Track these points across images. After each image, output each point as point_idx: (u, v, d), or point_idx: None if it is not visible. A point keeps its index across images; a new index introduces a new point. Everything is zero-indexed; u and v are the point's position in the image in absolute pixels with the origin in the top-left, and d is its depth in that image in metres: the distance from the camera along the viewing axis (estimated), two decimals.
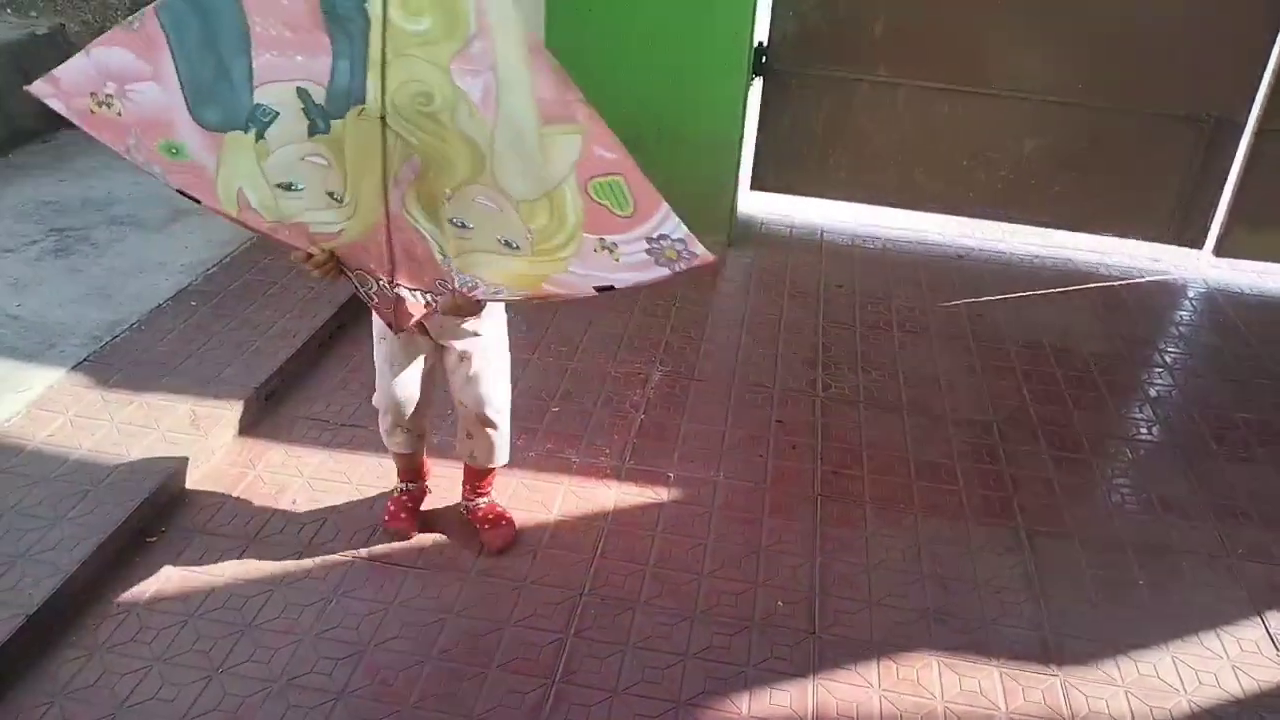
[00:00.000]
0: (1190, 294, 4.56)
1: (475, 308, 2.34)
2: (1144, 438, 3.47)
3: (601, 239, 1.79)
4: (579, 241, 1.81)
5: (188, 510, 2.77)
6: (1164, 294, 4.55)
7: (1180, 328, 4.27)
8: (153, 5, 1.80)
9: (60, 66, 1.90)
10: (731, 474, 3.09)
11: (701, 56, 4.30)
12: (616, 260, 1.80)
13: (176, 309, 3.54)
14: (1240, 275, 4.73)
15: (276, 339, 3.40)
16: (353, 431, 3.10)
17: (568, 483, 3.00)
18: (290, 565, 2.62)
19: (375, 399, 2.61)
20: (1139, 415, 3.60)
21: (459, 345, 2.48)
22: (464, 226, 1.92)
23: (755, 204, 5.04)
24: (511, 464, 2.84)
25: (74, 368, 3.15)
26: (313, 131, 1.86)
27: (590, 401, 3.39)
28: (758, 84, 4.66)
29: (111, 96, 1.89)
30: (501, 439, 2.64)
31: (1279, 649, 2.60)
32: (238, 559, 2.62)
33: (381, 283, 2.12)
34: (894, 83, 4.64)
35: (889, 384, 3.65)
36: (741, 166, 4.64)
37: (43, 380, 3.08)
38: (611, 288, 1.85)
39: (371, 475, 2.94)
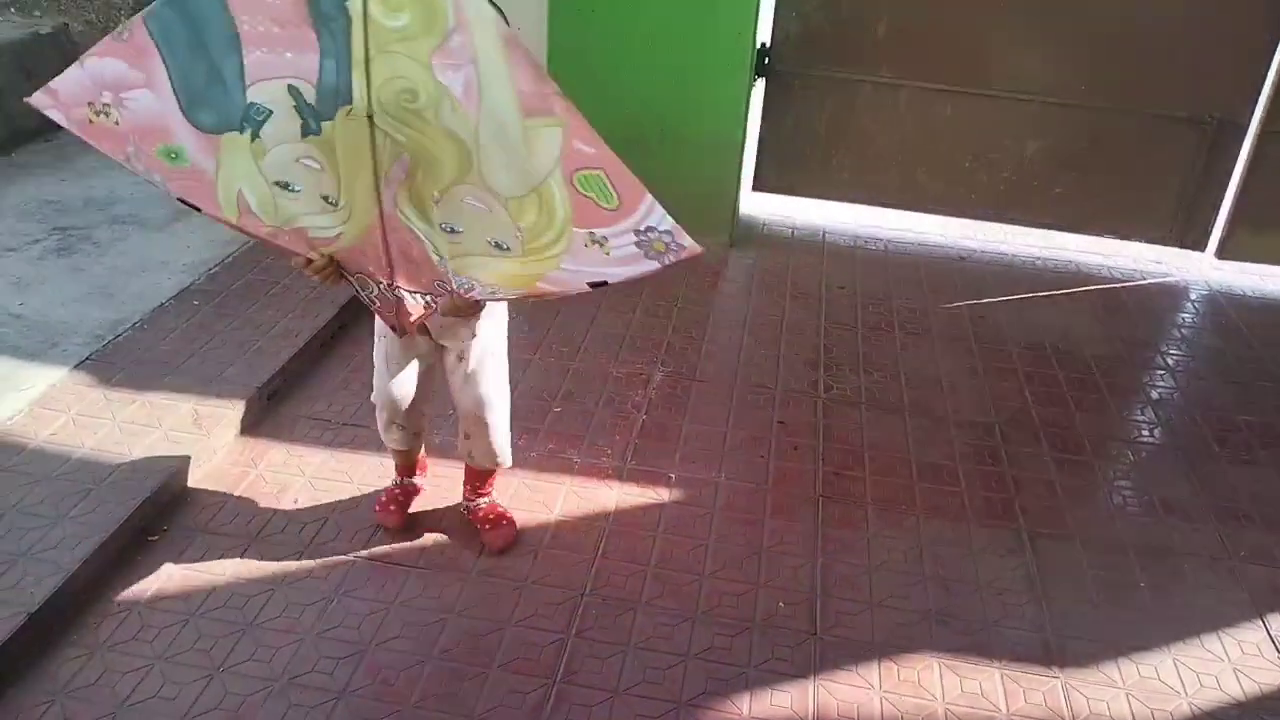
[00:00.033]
0: (1192, 296, 4.56)
1: (474, 308, 2.34)
2: (1146, 440, 3.46)
3: (591, 233, 1.79)
4: (569, 237, 1.81)
5: (189, 509, 2.77)
6: (1166, 296, 4.55)
7: (1182, 330, 4.27)
8: (140, 15, 1.81)
9: (57, 78, 1.91)
10: (733, 475, 3.09)
11: (704, 57, 4.31)
12: (607, 254, 1.80)
13: (179, 308, 3.54)
14: (1242, 278, 4.72)
15: (279, 338, 3.40)
16: (354, 431, 3.10)
17: (569, 483, 3.00)
18: (292, 564, 2.62)
19: (373, 396, 2.62)
20: (1141, 417, 3.60)
21: (457, 346, 2.48)
22: (453, 231, 1.93)
23: (757, 205, 5.04)
24: (513, 464, 2.84)
25: (76, 366, 3.15)
26: (305, 132, 1.86)
27: (592, 402, 3.39)
28: (760, 85, 4.66)
29: (108, 106, 1.90)
30: (500, 440, 2.64)
31: None
32: (239, 558, 2.62)
33: (381, 286, 2.12)
34: (896, 84, 4.64)
35: (891, 385, 3.65)
36: (744, 167, 4.64)
37: (45, 379, 3.08)
38: (605, 283, 1.85)
39: (373, 475, 2.94)
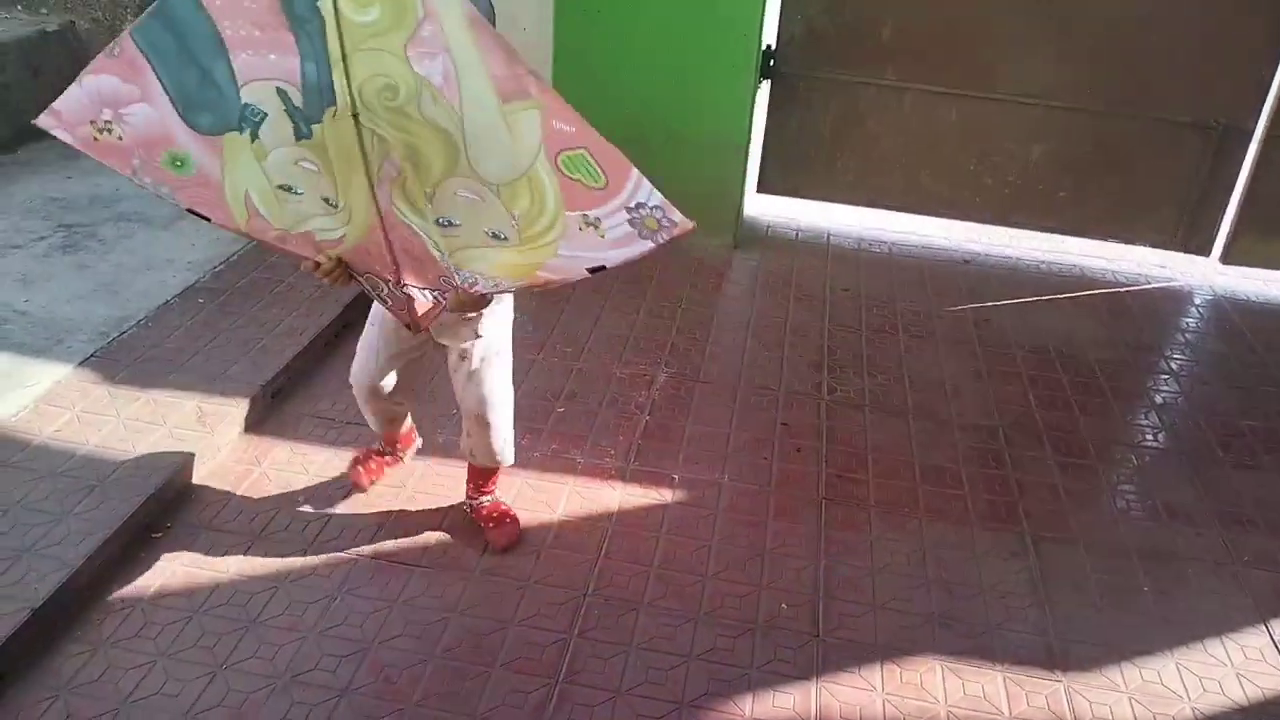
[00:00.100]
0: (1197, 301, 4.55)
1: (481, 302, 2.34)
2: (1150, 444, 3.46)
3: (584, 215, 1.77)
4: (563, 222, 1.80)
5: (193, 506, 2.77)
6: (1170, 301, 4.55)
7: (1187, 335, 4.26)
8: (128, 30, 1.84)
9: (59, 99, 1.94)
10: (736, 476, 3.09)
11: (709, 59, 4.31)
12: (602, 236, 1.79)
13: (184, 306, 3.55)
14: (1247, 283, 4.72)
15: (283, 337, 3.41)
16: (358, 430, 3.10)
17: (572, 483, 3.00)
18: (295, 562, 2.62)
19: (351, 377, 2.65)
20: (1145, 422, 3.59)
21: (458, 345, 2.49)
22: (450, 224, 1.92)
23: (762, 207, 5.04)
24: (516, 464, 2.84)
25: (81, 363, 3.16)
26: (298, 135, 1.88)
27: (595, 402, 3.39)
28: (765, 86, 4.66)
29: (110, 122, 1.93)
30: (500, 439, 2.64)
31: None
32: (242, 555, 2.62)
33: (390, 285, 2.13)
34: (901, 87, 4.64)
35: (894, 388, 3.64)
36: (748, 169, 4.64)
37: (50, 376, 3.08)
38: (603, 267, 1.84)
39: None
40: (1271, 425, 3.60)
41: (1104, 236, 4.85)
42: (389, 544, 2.71)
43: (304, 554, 2.65)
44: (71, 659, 2.29)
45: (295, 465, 2.96)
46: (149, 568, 2.56)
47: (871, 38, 4.55)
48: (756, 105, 4.52)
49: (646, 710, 2.30)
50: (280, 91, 1.82)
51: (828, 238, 4.89)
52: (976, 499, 3.08)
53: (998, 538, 2.93)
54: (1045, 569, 2.82)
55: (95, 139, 1.96)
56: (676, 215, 1.74)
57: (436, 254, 1.99)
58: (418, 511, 2.83)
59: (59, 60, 4.89)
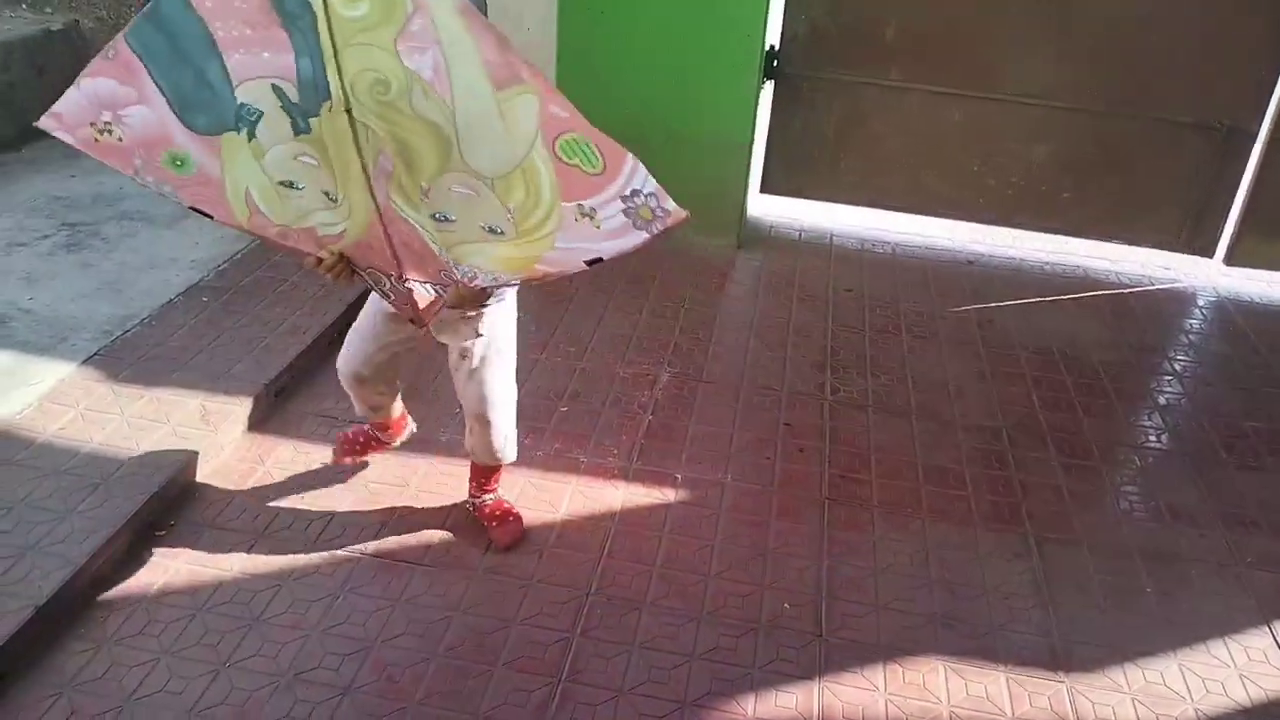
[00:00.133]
0: (1200, 302, 4.55)
1: (481, 297, 2.34)
2: (1153, 445, 3.46)
3: (580, 205, 1.77)
4: (559, 214, 1.79)
5: (197, 505, 2.78)
6: (1174, 302, 4.54)
7: (1190, 336, 4.26)
8: (122, 33, 1.85)
9: (59, 101, 1.95)
10: (739, 476, 3.09)
11: (713, 59, 4.31)
12: (598, 227, 1.78)
13: (187, 304, 3.55)
14: (1251, 284, 4.71)
15: (287, 336, 3.41)
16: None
17: (575, 482, 3.00)
18: (298, 561, 2.62)
19: (339, 361, 2.66)
20: (1148, 423, 3.59)
21: (458, 344, 2.49)
22: (446, 220, 1.92)
23: (765, 207, 5.04)
24: (519, 463, 2.84)
25: (85, 361, 3.16)
26: (296, 130, 1.88)
27: (599, 402, 3.39)
28: (769, 87, 4.66)
29: (110, 124, 1.94)
30: (501, 438, 2.64)
31: None
32: (246, 553, 2.63)
33: (392, 279, 2.13)
34: (905, 87, 4.64)
35: (898, 388, 3.64)
36: (752, 169, 4.64)
37: (54, 374, 3.09)
38: (600, 259, 1.84)
39: (380, 472, 2.95)
40: (1275, 427, 3.59)
41: (1107, 237, 4.84)
42: (392, 542, 2.71)
43: (307, 552, 2.65)
44: (75, 656, 2.29)
45: (298, 464, 2.96)
46: (153, 565, 2.56)
47: (875, 38, 4.55)
48: (760, 105, 4.52)
49: (649, 709, 2.30)
50: (276, 88, 1.82)
51: (831, 238, 4.89)
52: (980, 500, 3.08)
53: (1001, 538, 2.93)
54: (1048, 570, 2.82)
55: (96, 140, 1.97)
56: (670, 204, 1.73)
57: (435, 248, 1.99)
58: (421, 510, 2.83)
59: (63, 59, 4.89)
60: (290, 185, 1.97)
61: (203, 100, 1.87)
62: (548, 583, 2.62)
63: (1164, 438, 3.50)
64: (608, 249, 1.81)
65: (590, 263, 1.84)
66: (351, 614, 2.48)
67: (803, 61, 4.64)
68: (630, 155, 1.70)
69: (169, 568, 2.56)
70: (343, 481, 2.90)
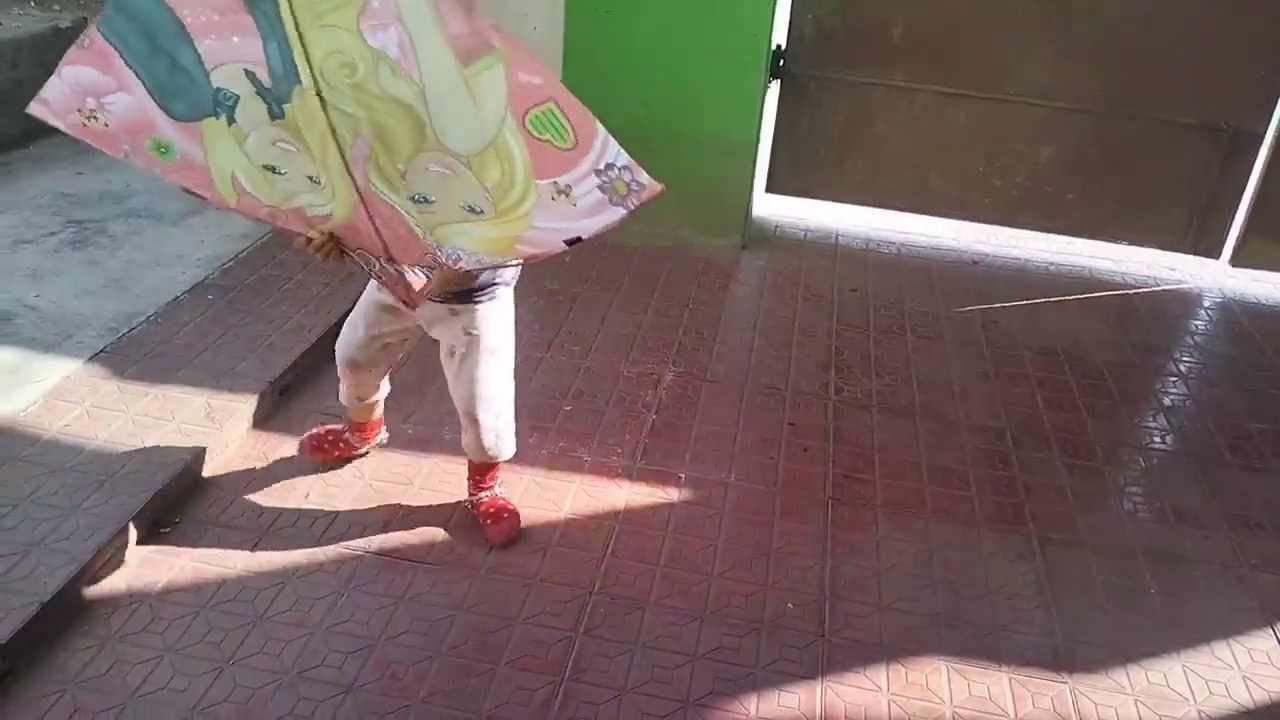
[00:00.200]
0: (1206, 303, 4.54)
1: (467, 279, 2.34)
2: (1157, 446, 3.45)
3: (555, 183, 1.76)
4: (536, 193, 1.78)
5: (201, 502, 2.78)
6: (1179, 303, 4.54)
7: (1195, 337, 4.25)
8: (94, 23, 1.85)
9: (44, 87, 1.95)
10: (743, 476, 3.09)
11: (719, 59, 4.31)
12: (575, 205, 1.77)
13: (193, 302, 3.56)
14: (1257, 285, 4.70)
15: (291, 334, 3.42)
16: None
17: (579, 481, 3.00)
18: (302, 558, 2.63)
19: (337, 344, 2.70)
20: (1153, 424, 3.59)
21: (448, 341, 2.51)
22: (426, 201, 1.91)
23: (770, 207, 5.04)
24: (523, 462, 2.84)
25: (91, 359, 3.17)
26: (271, 116, 1.87)
27: (603, 401, 3.39)
28: (775, 87, 4.65)
29: (94, 111, 1.95)
30: (491, 436, 2.65)
31: None
32: (250, 551, 2.63)
33: (381, 262, 2.14)
34: (911, 88, 4.63)
35: (902, 389, 3.64)
36: (757, 169, 4.64)
37: (60, 371, 3.10)
38: (579, 239, 1.83)
39: (384, 470, 2.95)
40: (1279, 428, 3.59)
41: (1113, 238, 4.83)
42: (395, 541, 2.71)
43: (311, 550, 2.65)
44: (79, 653, 2.30)
45: (302, 461, 2.96)
46: (157, 563, 2.57)
47: (881, 38, 4.55)
48: (766, 105, 4.52)
49: (652, 709, 2.30)
50: (248, 73, 1.82)
51: (836, 238, 4.89)
52: (983, 500, 3.08)
53: (1004, 539, 2.93)
54: (1052, 570, 2.82)
55: (84, 125, 1.97)
56: (644, 177, 1.71)
57: (419, 231, 1.99)
58: (424, 508, 2.83)
59: None
60: (273, 170, 1.97)
61: (180, 87, 1.87)
62: (551, 581, 2.63)
63: (1168, 439, 3.50)
64: (586, 227, 1.80)
65: (570, 242, 1.83)
66: (355, 612, 2.48)
67: (809, 61, 4.64)
68: (600, 126, 1.67)
69: (173, 565, 2.56)
70: (346, 480, 2.91)
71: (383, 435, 2.99)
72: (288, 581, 2.55)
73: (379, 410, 2.92)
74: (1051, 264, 4.79)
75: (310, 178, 1.97)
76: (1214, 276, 4.75)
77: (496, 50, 1.64)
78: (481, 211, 1.86)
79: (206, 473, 2.87)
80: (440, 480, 2.93)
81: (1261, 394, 3.82)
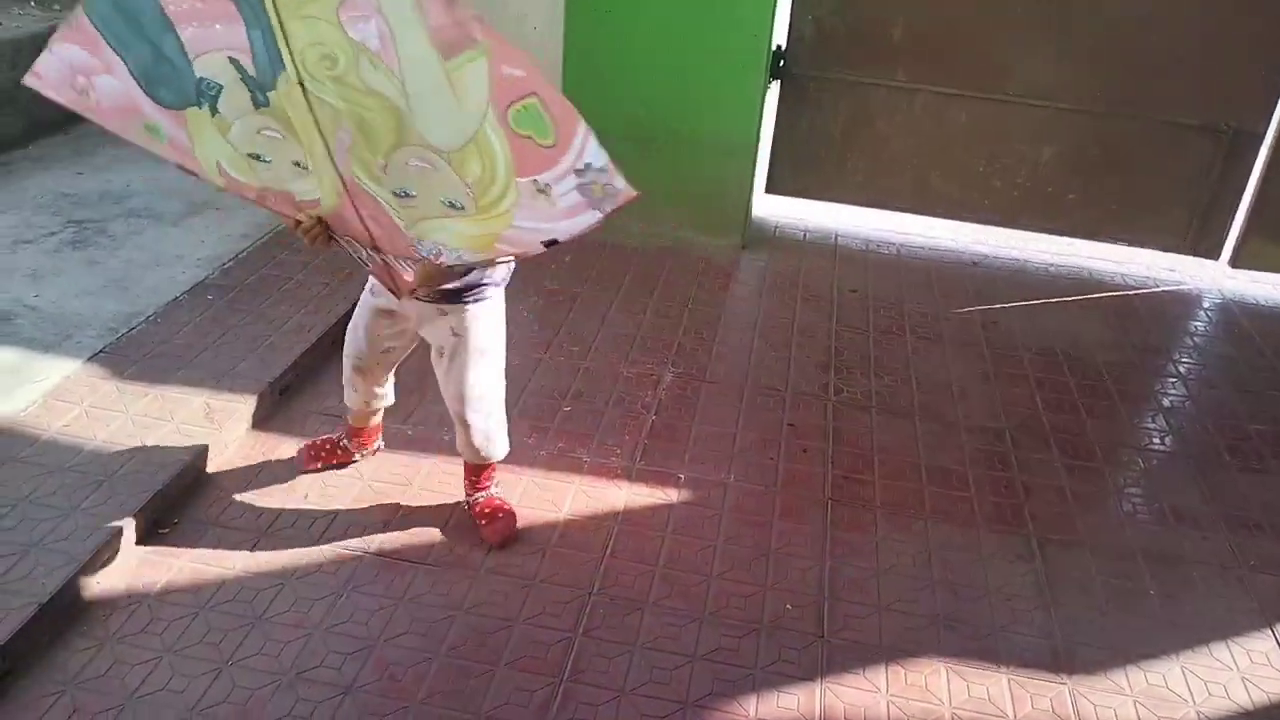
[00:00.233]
0: (1205, 304, 4.54)
1: (451, 275, 2.33)
2: (1157, 447, 3.45)
3: (535, 181, 1.73)
4: (517, 191, 1.76)
5: (200, 502, 2.78)
6: (1179, 304, 4.54)
7: (1195, 338, 4.25)
8: (80, 5, 1.82)
9: (37, 60, 1.93)
10: (742, 476, 3.09)
11: (720, 59, 4.31)
12: (554, 205, 1.74)
13: (193, 302, 3.56)
14: (1256, 287, 4.70)
15: (291, 334, 3.41)
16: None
17: (578, 482, 3.00)
18: (301, 559, 2.63)
19: (344, 352, 2.73)
20: (1152, 425, 3.58)
21: (436, 341, 2.51)
22: (407, 195, 1.90)
23: (770, 207, 5.04)
24: (522, 462, 2.84)
25: (90, 359, 3.17)
26: (255, 104, 1.86)
27: (602, 401, 3.39)
28: (775, 87, 4.65)
29: (86, 88, 1.93)
30: (481, 437, 2.66)
31: None
32: (249, 552, 2.63)
33: (367, 250, 2.14)
34: (912, 88, 4.63)
35: (901, 389, 3.64)
36: (757, 169, 4.64)
37: (59, 371, 3.09)
38: (556, 241, 1.81)
39: (383, 471, 2.95)
40: (1279, 429, 3.58)
41: (1113, 239, 4.83)
42: (394, 541, 2.71)
43: (310, 551, 2.65)
44: (78, 654, 2.30)
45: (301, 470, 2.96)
46: (156, 563, 2.57)
47: (882, 39, 4.55)
48: (766, 105, 4.52)
49: (651, 710, 2.30)
50: (233, 60, 1.79)
51: (835, 239, 4.89)
52: (982, 501, 3.08)
53: (1003, 540, 2.93)
54: (1051, 571, 2.82)
55: (78, 100, 1.96)
56: (620, 182, 1.68)
57: (401, 224, 1.98)
58: (423, 509, 2.83)
59: None
60: (258, 158, 1.97)
61: (164, 74, 1.85)
62: (550, 582, 2.63)
63: (1167, 440, 3.50)
64: (564, 229, 1.78)
65: (547, 244, 1.82)
66: (354, 613, 2.48)
67: (809, 62, 4.64)
68: (582, 122, 1.64)
69: (172, 565, 2.56)
70: (346, 481, 2.91)
71: (379, 443, 2.98)
72: (287, 582, 2.55)
73: (378, 417, 2.92)
74: (1051, 265, 4.79)
75: (297, 163, 1.96)
76: (1214, 277, 4.75)
77: (479, 43, 1.60)
78: (462, 207, 1.85)
79: (206, 473, 2.87)
80: (439, 481, 2.93)
81: (1261, 395, 3.82)
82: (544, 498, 2.92)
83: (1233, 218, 4.66)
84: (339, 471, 2.93)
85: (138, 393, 3.04)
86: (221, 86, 1.85)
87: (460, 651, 2.40)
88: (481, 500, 2.79)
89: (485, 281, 2.43)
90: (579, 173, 1.68)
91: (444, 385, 2.59)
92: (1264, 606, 2.76)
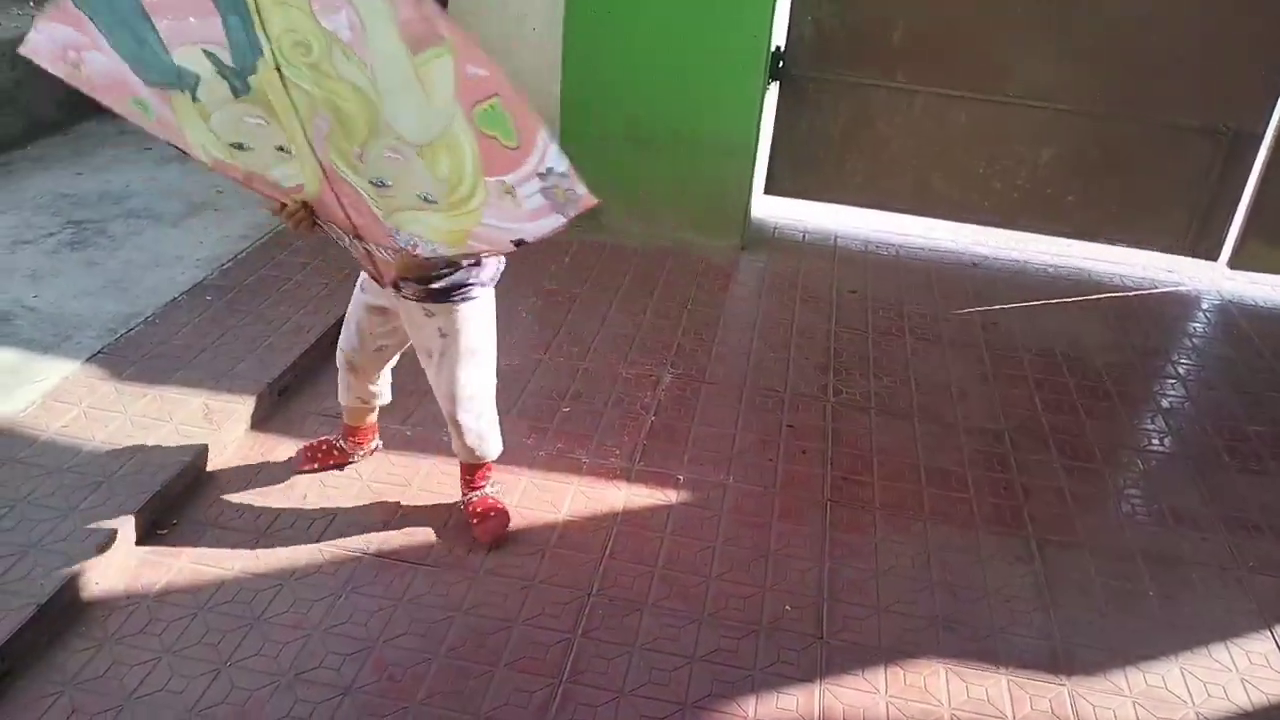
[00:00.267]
0: (1204, 306, 4.54)
1: (428, 267, 2.32)
2: (1156, 449, 3.45)
3: (502, 181, 1.73)
4: (484, 189, 1.76)
5: (199, 503, 2.78)
6: (1178, 305, 4.54)
7: (1194, 339, 4.25)
8: None
9: (26, 38, 1.93)
10: (741, 477, 3.09)
11: (719, 60, 4.31)
12: (519, 206, 1.75)
13: (191, 303, 3.56)
14: (1255, 288, 4.71)
15: (290, 334, 3.41)
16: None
17: (577, 483, 3.00)
18: (300, 560, 2.63)
19: (338, 348, 2.73)
20: (1151, 426, 3.59)
21: (423, 341, 2.51)
22: (384, 185, 1.90)
23: (769, 208, 5.04)
24: (521, 463, 2.84)
25: (89, 359, 3.17)
26: (235, 94, 1.85)
27: (601, 402, 3.39)
28: (774, 88, 4.65)
29: (77, 63, 1.92)
30: (473, 437, 2.66)
31: None
32: (248, 552, 2.63)
33: (350, 237, 2.14)
34: (912, 89, 4.64)
35: (900, 390, 3.64)
36: (756, 170, 4.64)
37: (58, 371, 3.09)
38: (523, 241, 1.81)
39: (382, 472, 2.95)
40: (1278, 430, 3.59)
41: (1112, 241, 4.84)
42: (394, 542, 2.71)
43: (309, 551, 2.65)
44: (77, 655, 2.30)
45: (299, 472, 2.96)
46: (154, 564, 2.56)
47: (882, 40, 4.55)
48: (765, 107, 4.52)
49: (650, 711, 2.30)
50: (208, 54, 1.78)
51: (835, 240, 4.89)
52: (982, 502, 3.08)
53: (1003, 541, 2.93)
54: (1050, 573, 2.82)
55: (72, 73, 1.95)
56: (581, 188, 1.69)
57: (379, 214, 1.98)
58: (422, 509, 2.83)
59: None
60: (240, 147, 1.96)
61: (148, 60, 1.85)
62: (549, 583, 2.63)
63: (1167, 441, 3.50)
64: (530, 231, 1.79)
65: (516, 243, 1.82)
66: (353, 614, 2.48)
67: (808, 63, 4.64)
68: (543, 127, 1.64)
69: (171, 566, 2.56)
70: (345, 481, 2.91)
71: (376, 442, 2.98)
72: (285, 583, 2.55)
73: (374, 416, 2.92)
74: (1050, 266, 4.79)
75: (280, 148, 1.96)
76: (1212, 279, 4.75)
77: (445, 40, 1.59)
78: (435, 201, 1.85)
79: (205, 473, 2.87)
80: (438, 481, 2.93)
81: (1260, 396, 3.82)
82: (543, 498, 2.92)
83: (1232, 219, 4.66)
84: (338, 472, 2.93)
85: (136, 393, 3.04)
86: (199, 77, 1.84)
87: (459, 652, 2.40)
88: (475, 500, 2.79)
89: (472, 281, 2.43)
90: (542, 176, 1.69)
91: (435, 386, 2.59)
92: (1263, 608, 2.76)
